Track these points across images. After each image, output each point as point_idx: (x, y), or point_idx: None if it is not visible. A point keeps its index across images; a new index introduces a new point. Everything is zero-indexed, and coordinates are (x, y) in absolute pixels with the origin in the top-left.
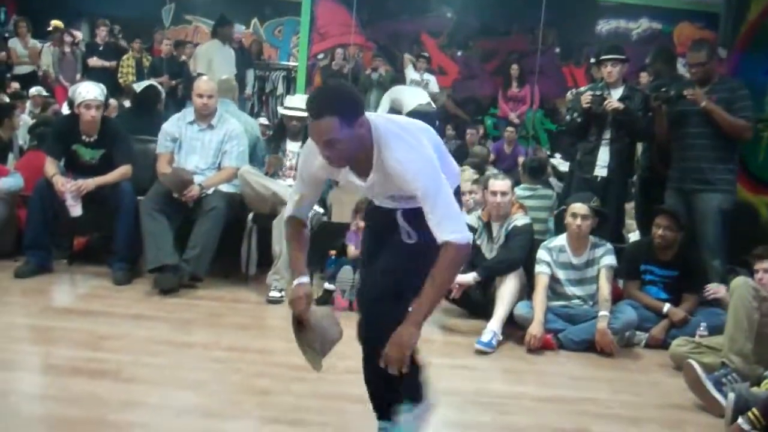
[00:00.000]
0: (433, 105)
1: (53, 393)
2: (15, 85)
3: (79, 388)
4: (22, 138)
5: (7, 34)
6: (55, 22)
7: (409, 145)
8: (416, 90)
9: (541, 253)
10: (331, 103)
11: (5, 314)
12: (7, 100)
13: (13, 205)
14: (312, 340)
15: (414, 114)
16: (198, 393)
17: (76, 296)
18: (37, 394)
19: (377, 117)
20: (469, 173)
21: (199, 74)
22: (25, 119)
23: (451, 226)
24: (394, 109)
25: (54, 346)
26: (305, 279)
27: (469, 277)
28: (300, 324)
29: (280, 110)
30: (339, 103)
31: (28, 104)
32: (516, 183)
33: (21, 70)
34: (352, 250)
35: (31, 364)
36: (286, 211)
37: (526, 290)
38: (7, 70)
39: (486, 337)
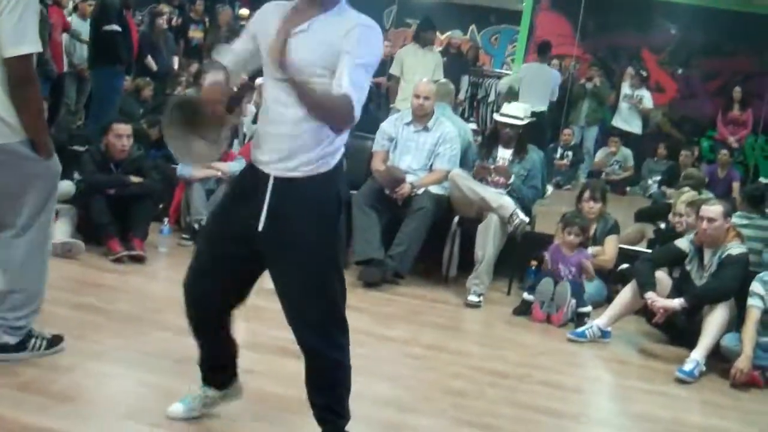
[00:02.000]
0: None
1: (261, 369)
2: (244, 76)
3: (285, 368)
4: (246, 126)
5: (241, 26)
6: (242, 12)
7: (377, 32)
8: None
9: (756, 286)
10: None
11: None
12: (236, 89)
13: None
14: (210, 132)
15: None
16: (394, 386)
17: None
18: (245, 369)
19: None
20: (690, 194)
21: (391, 75)
22: (251, 108)
23: (356, 94)
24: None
25: (264, 325)
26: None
27: (676, 303)
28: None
29: (495, 117)
30: None
31: (254, 95)
32: (732, 210)
33: None
34: (546, 259)
35: (241, 340)
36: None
37: (735, 322)
38: None
39: (688, 365)
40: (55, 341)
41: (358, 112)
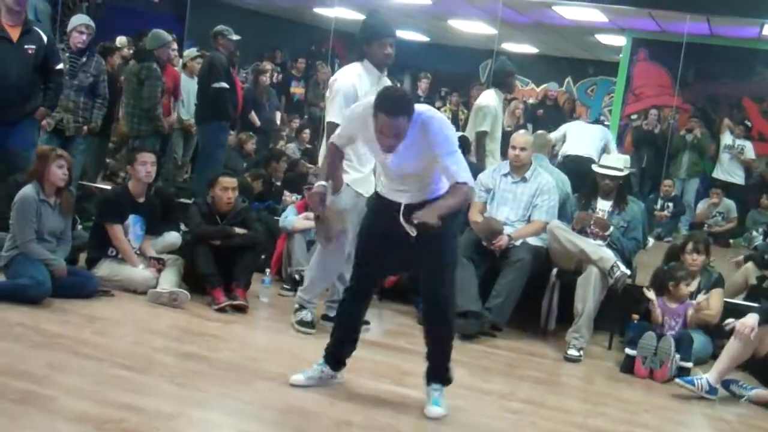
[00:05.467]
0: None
1: (358, 420)
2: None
3: (383, 419)
4: None
5: None
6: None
7: (448, 127)
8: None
9: None
10: (408, 107)
11: (320, 340)
12: None
13: None
14: (327, 229)
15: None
16: None
17: (383, 331)
18: (342, 419)
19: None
20: None
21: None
22: None
23: (464, 173)
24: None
25: (359, 375)
26: (323, 183)
27: None
28: (317, 217)
29: (594, 168)
30: (411, 107)
31: None
32: None
33: None
34: (657, 315)
35: (338, 390)
36: (332, 138)
37: None
38: None
39: None
40: None
41: (472, 182)
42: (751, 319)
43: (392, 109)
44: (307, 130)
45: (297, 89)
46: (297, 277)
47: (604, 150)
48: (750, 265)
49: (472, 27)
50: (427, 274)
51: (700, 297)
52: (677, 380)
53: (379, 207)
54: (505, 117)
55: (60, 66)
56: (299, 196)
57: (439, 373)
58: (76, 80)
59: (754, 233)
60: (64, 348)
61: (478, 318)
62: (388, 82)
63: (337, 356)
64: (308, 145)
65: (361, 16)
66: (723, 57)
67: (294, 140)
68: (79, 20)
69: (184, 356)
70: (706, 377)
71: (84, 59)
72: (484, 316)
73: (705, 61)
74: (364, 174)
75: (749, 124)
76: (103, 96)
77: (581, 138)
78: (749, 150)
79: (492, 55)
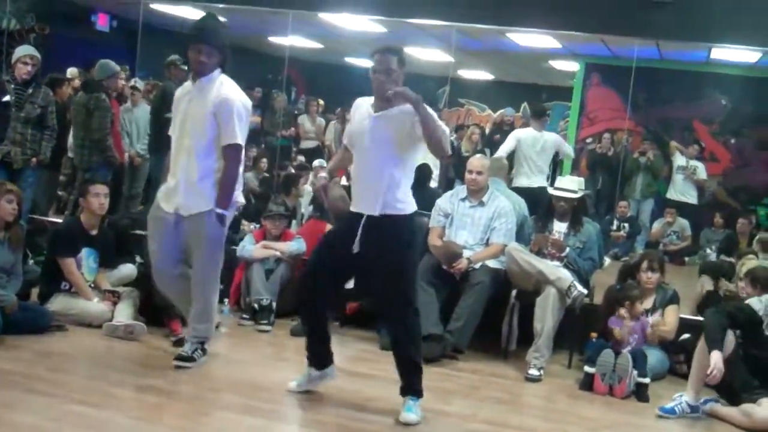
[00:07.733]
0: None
1: None
2: (300, 158)
3: None
4: (304, 206)
5: (296, 112)
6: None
7: None
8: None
9: None
10: (398, 53)
11: (280, 370)
12: (293, 171)
13: (295, 268)
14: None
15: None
16: None
17: (344, 357)
18: None
19: None
20: (753, 262)
21: None
22: (307, 189)
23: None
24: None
25: (322, 403)
26: (325, 175)
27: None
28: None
29: (550, 191)
30: (401, 55)
31: (311, 176)
32: None
33: (307, 144)
34: (617, 332)
35: (299, 417)
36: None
37: None
38: (294, 144)
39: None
40: None
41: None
42: (714, 360)
43: (383, 48)
44: (265, 159)
45: (253, 118)
46: (256, 306)
47: (556, 158)
48: (705, 276)
49: (427, 54)
50: (383, 289)
51: (652, 319)
52: (658, 411)
53: (345, 224)
54: (463, 142)
55: (6, 98)
56: (257, 225)
57: (409, 386)
58: (23, 112)
59: (708, 251)
60: (17, 385)
61: (439, 341)
62: (212, 89)
63: (317, 357)
64: (266, 174)
65: (316, 45)
66: (673, 80)
67: (252, 169)
68: (24, 51)
69: (142, 389)
70: (684, 399)
71: (30, 90)
72: (446, 339)
73: (655, 85)
74: (169, 185)
75: (702, 144)
76: (52, 128)
77: (531, 156)
78: (701, 170)
79: (447, 81)
